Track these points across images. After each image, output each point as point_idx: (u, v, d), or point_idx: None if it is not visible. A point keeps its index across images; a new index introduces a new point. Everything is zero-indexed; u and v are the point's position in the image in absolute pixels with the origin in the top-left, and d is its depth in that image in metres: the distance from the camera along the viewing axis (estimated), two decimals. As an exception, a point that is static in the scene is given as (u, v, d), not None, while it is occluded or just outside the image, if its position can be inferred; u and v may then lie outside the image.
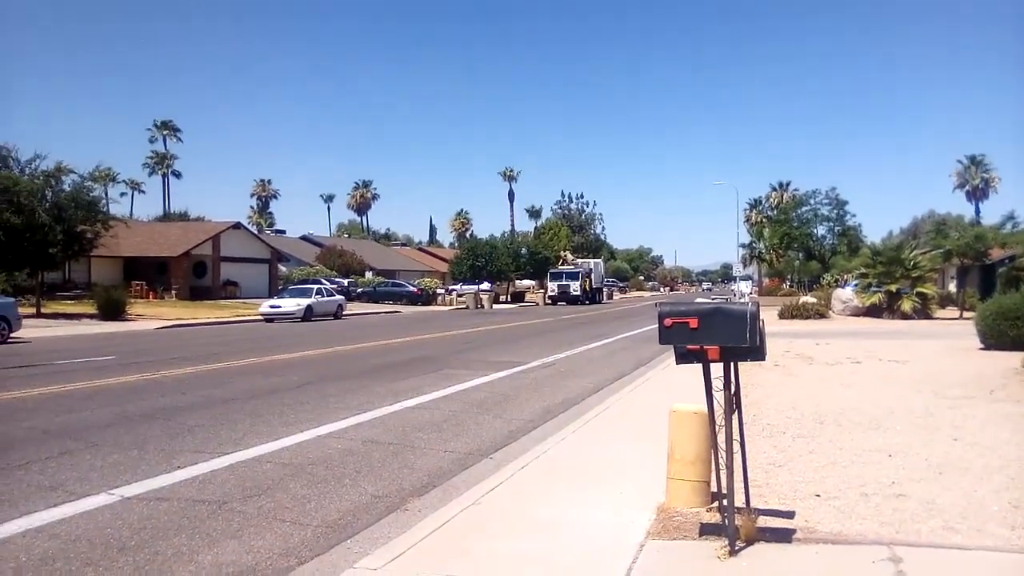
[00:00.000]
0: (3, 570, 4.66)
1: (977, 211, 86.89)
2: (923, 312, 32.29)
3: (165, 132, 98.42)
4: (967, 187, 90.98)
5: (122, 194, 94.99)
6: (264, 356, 17.80)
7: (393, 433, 8.91)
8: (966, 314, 30.29)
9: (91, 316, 33.36)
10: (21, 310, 25.01)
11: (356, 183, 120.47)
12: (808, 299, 37.36)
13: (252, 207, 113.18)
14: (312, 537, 5.40)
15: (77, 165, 35.72)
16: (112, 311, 33.28)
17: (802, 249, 72.19)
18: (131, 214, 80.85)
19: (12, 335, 23.03)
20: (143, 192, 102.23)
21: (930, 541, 4.76)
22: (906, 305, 31.92)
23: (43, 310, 33.58)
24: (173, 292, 49.48)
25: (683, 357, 4.67)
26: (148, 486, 6.50)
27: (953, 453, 7.05)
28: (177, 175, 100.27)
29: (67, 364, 16.06)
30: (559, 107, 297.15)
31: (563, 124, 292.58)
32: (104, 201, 39.81)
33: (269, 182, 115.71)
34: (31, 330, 25.67)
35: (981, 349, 17.02)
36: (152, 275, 50.22)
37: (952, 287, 41.68)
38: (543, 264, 72.17)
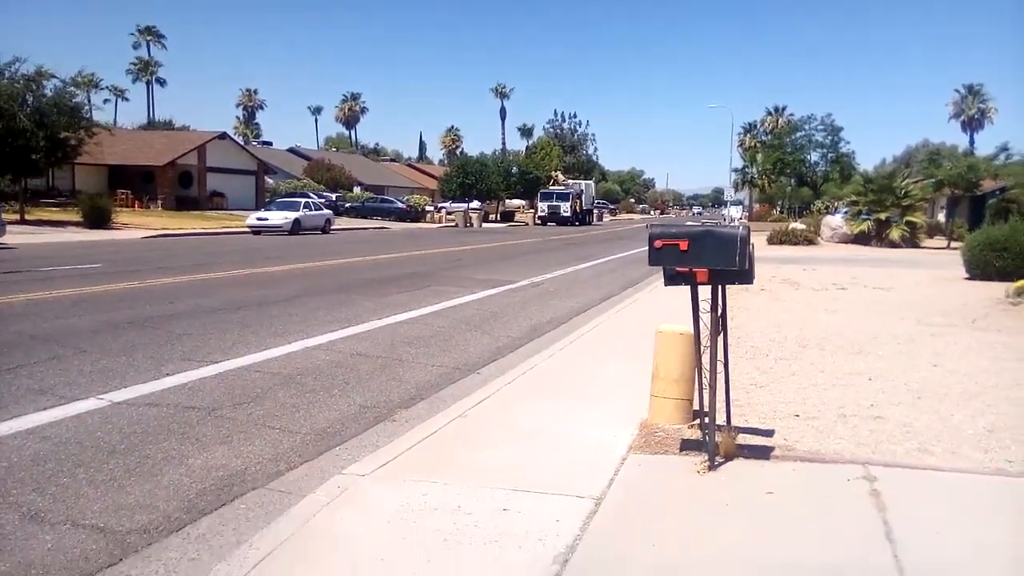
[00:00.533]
0: (-5, 469, 4.73)
1: (972, 142, 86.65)
2: (911, 241, 32.46)
3: (149, 38, 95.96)
4: (963, 117, 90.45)
5: (105, 101, 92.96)
6: (252, 268, 17.76)
7: (381, 347, 8.98)
8: (954, 244, 30.48)
9: (76, 224, 33.10)
10: (4, 216, 24.77)
11: (345, 95, 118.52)
12: (798, 225, 37.48)
13: (238, 117, 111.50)
14: (301, 444, 5.49)
15: (59, 70, 34.75)
16: (97, 219, 33.01)
17: (794, 175, 72.03)
18: (115, 122, 79.35)
19: (-3, 241, 22.85)
20: (127, 100, 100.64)
21: (905, 462, 4.88)
22: (895, 234, 32.06)
23: (27, 217, 33.26)
24: (159, 202, 49.00)
25: (672, 279, 4.68)
26: (137, 392, 6.55)
27: (932, 379, 7.18)
28: (161, 83, 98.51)
29: (53, 271, 15.99)
30: (554, 25, 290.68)
31: (557, 42, 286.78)
32: (87, 107, 38.90)
33: (255, 92, 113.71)
34: (15, 236, 25.46)
35: (966, 279, 17.17)
36: (137, 184, 49.60)
37: (941, 217, 41.82)
38: (534, 184, 71.67)
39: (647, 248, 4.56)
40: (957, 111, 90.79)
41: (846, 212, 36.60)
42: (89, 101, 50.18)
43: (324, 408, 6.40)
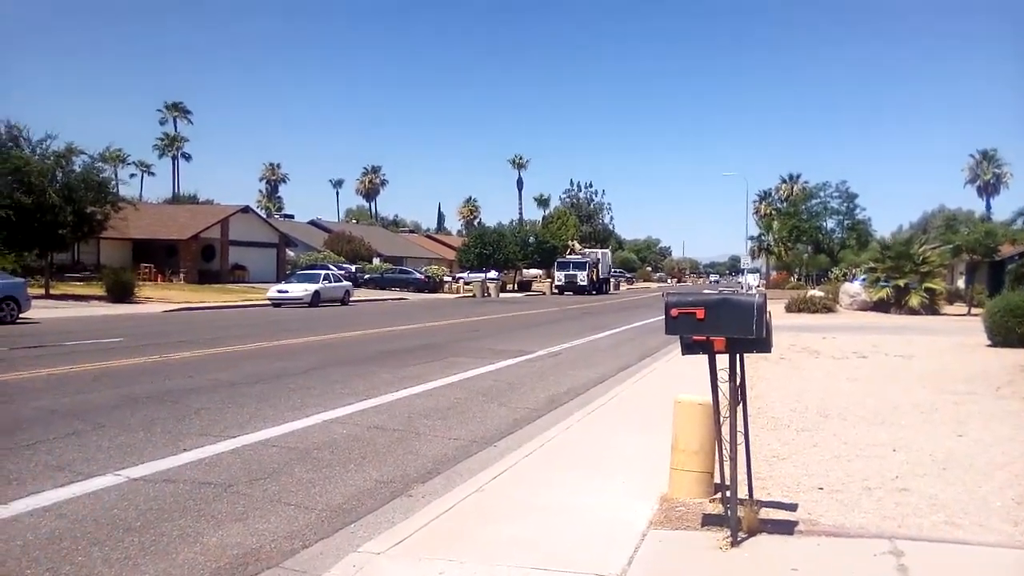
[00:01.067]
0: (11, 548, 4.71)
1: (988, 206, 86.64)
2: (931, 308, 32.19)
3: (175, 114, 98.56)
4: (978, 182, 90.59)
5: (132, 175, 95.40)
6: (271, 341, 17.86)
7: (398, 419, 8.94)
8: (974, 310, 30.18)
9: (100, 298, 33.51)
10: (30, 291, 25.14)
11: (365, 168, 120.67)
12: (816, 293, 37.31)
13: (261, 191, 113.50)
14: (317, 521, 5.44)
15: (87, 146, 35.82)
16: (121, 293, 33.43)
17: (811, 242, 72.09)
18: (141, 196, 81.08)
19: (21, 315, 23.14)
20: (153, 174, 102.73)
21: (932, 535, 4.77)
22: (914, 300, 31.83)
23: (52, 291, 33.74)
24: (182, 275, 49.62)
25: (689, 348, 4.67)
26: (154, 468, 6.55)
27: (957, 449, 7.04)
28: (187, 157, 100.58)
29: (75, 345, 16.15)
30: (569, 96, 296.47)
31: (573, 113, 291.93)
32: (114, 182, 39.90)
33: (278, 166, 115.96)
34: (40, 311, 25.79)
35: (988, 346, 16.96)
36: (161, 258, 50.36)
37: (961, 283, 41.52)
38: (551, 253, 72.11)
39: (663, 317, 4.56)
40: (972, 176, 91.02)
41: (864, 279, 36.46)
42: (116, 176, 51.43)
43: (340, 483, 6.35)
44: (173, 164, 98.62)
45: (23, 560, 4.53)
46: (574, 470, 6.43)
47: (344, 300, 38.47)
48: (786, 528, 4.89)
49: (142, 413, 8.79)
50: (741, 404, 4.77)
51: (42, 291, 32.37)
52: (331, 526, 5.34)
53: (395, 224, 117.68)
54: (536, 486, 5.95)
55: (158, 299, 35.23)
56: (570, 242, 79.01)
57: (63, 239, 33.81)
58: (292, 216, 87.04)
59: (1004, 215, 58.40)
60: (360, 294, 45.16)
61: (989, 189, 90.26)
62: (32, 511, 5.38)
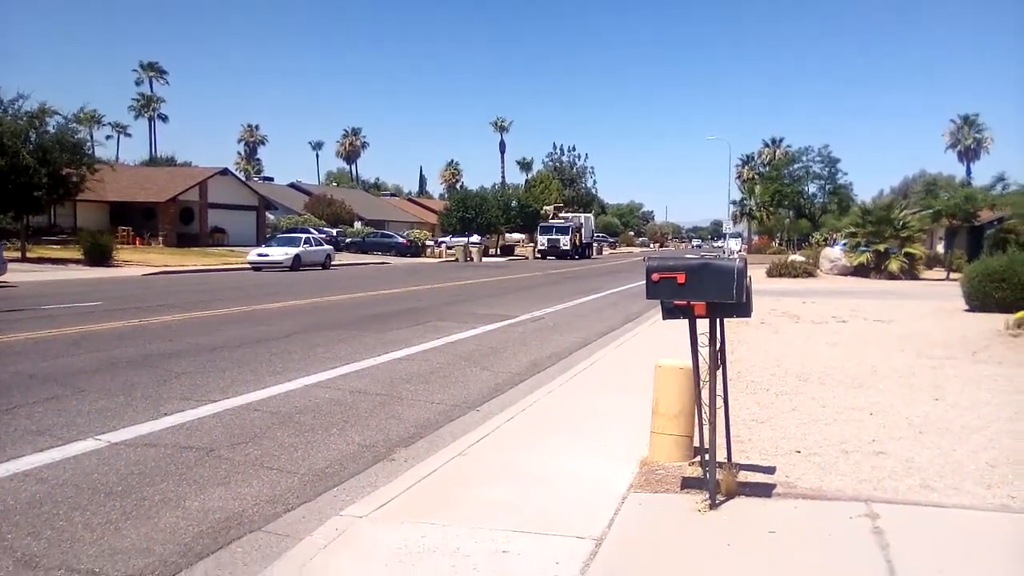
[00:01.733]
0: (-10, 512, 4.69)
1: (969, 172, 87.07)
2: (910, 272, 32.48)
3: (151, 74, 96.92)
4: (959, 147, 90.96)
5: (108, 137, 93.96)
6: (252, 305, 17.77)
7: (381, 384, 8.95)
8: (953, 275, 30.49)
9: (77, 261, 33.16)
10: (6, 254, 24.83)
11: (345, 130, 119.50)
12: (796, 257, 37.50)
13: (239, 153, 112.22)
14: (299, 485, 5.45)
15: (62, 107, 35.20)
16: (98, 256, 33.09)
17: (793, 207, 72.38)
18: (117, 158, 79.88)
19: (-3, 279, 22.89)
20: (129, 136, 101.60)
21: (907, 498, 4.85)
22: (893, 265, 32.09)
23: (28, 254, 33.34)
24: (160, 238, 49.13)
25: (670, 312, 4.69)
26: (135, 432, 6.52)
27: (934, 413, 7.15)
28: (164, 119, 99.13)
29: (53, 309, 16.00)
30: (552, 58, 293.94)
31: (556, 76, 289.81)
32: (89, 144, 39.24)
33: (257, 128, 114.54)
34: (16, 274, 25.51)
35: (966, 310, 17.15)
36: (139, 221, 49.78)
37: (940, 248, 41.85)
38: (533, 217, 71.97)
39: (645, 281, 4.57)
40: (953, 141, 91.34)
41: (845, 244, 36.64)
42: (91, 137, 50.54)
43: (323, 448, 6.36)
44: (150, 125, 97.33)
45: (4, 524, 4.52)
46: (556, 434, 6.47)
47: (325, 264, 38.31)
48: (764, 491, 4.96)
49: (122, 377, 8.74)
50: (721, 368, 4.80)
51: (18, 254, 31.98)
52: (313, 490, 5.36)
53: (376, 187, 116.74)
54: (518, 450, 5.99)
55: (136, 262, 34.90)
56: (546, 208, 78.45)
57: (38, 201, 33.30)
58: (272, 179, 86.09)
59: (984, 180, 58.92)
60: (341, 258, 44.98)
61: (970, 154, 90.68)
62: (12, 476, 5.36)
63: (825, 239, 58.07)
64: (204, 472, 5.60)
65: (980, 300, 16.98)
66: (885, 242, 33.04)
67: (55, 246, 39.35)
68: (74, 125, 35.24)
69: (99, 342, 11.28)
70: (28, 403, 7.42)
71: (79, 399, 7.65)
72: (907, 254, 32.68)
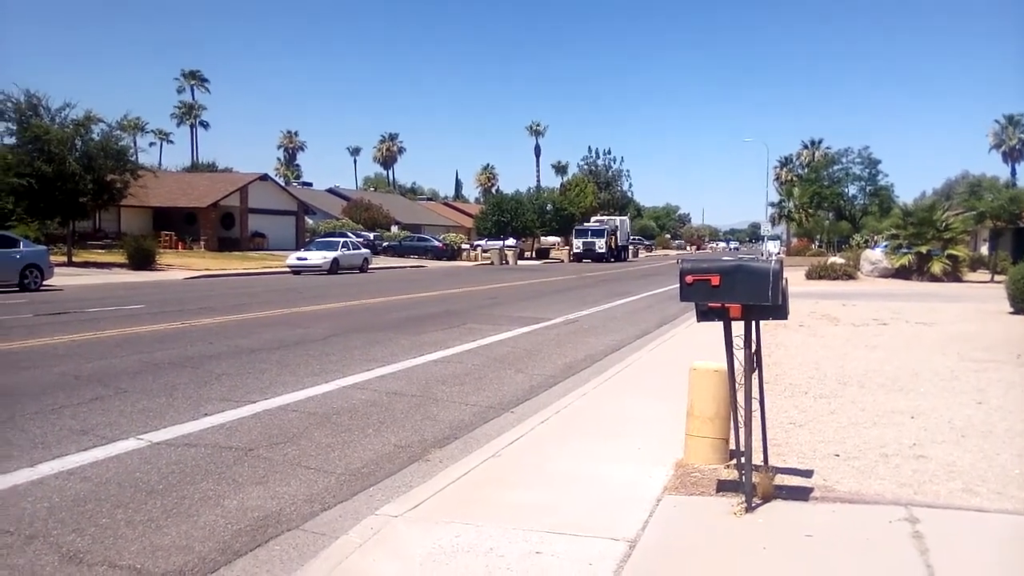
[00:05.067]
0: (38, 509, 4.82)
1: (1013, 172, 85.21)
2: (953, 275, 31.81)
3: (193, 82, 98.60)
4: (1003, 148, 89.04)
5: (151, 144, 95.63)
6: (290, 307, 17.99)
7: (416, 385, 9.01)
8: (997, 277, 29.81)
9: (121, 265, 33.86)
10: (52, 258, 25.42)
11: (382, 136, 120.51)
12: (836, 260, 36.94)
13: (279, 159, 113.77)
14: (336, 484, 5.51)
15: (106, 114, 36.00)
16: (142, 261, 33.77)
17: (832, 209, 71.33)
18: (160, 164, 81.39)
19: (44, 283, 23.46)
20: (171, 142, 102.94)
21: (948, 503, 4.76)
22: (936, 267, 31.46)
23: (74, 259, 34.12)
24: (201, 243, 49.99)
25: (704, 315, 4.65)
26: (176, 432, 6.65)
27: (976, 416, 7.01)
28: (205, 125, 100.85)
29: (97, 312, 16.35)
30: (588, 62, 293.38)
31: (591, 79, 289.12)
32: (133, 151, 40.07)
33: (296, 134, 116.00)
34: (62, 278, 26.11)
35: (1011, 313, 16.77)
36: (181, 226, 50.71)
37: (984, 250, 40.98)
38: (569, 220, 71.81)
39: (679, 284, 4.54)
40: (997, 142, 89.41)
41: (886, 246, 36.03)
42: (135, 144, 51.66)
43: (359, 448, 6.42)
44: (191, 132, 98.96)
45: (49, 521, 4.63)
46: (590, 436, 6.46)
47: (363, 267, 38.64)
48: (801, 494, 4.90)
49: (164, 378, 8.91)
50: (757, 371, 4.76)
51: (64, 259, 32.75)
52: (350, 489, 5.41)
53: (413, 192, 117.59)
54: (552, 452, 5.99)
55: (178, 266, 35.53)
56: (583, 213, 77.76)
57: (84, 207, 34.12)
58: (310, 184, 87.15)
59: (1030, 181, 57.41)
60: (378, 262, 45.32)
61: (1014, 155, 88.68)
62: (57, 474, 5.49)
63: (866, 241, 57.21)
64: (243, 471, 5.69)
65: (1026, 302, 16.58)
66: (927, 244, 32.40)
67: (100, 250, 40.22)
68: (118, 132, 35.98)
69: (141, 344, 11.51)
70: (73, 403, 7.59)
71: (122, 399, 7.81)
72: (950, 256, 32.01)
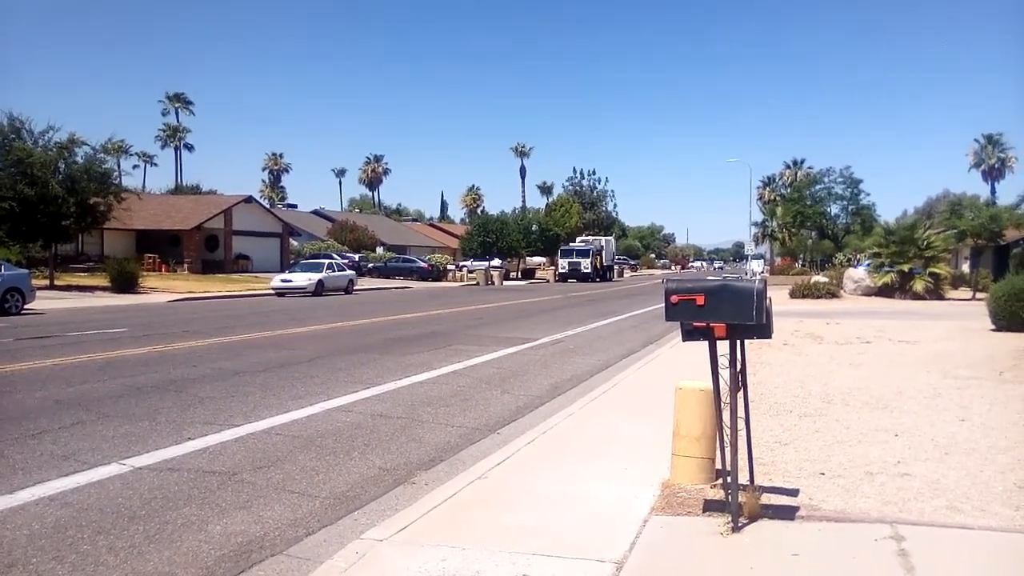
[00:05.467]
0: (17, 537, 4.75)
1: (993, 191, 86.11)
2: (935, 292, 32.10)
3: (177, 105, 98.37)
4: (983, 166, 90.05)
5: (135, 167, 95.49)
6: (275, 330, 17.90)
7: (402, 407, 8.97)
8: (979, 295, 30.09)
9: (104, 288, 33.58)
10: (35, 282, 25.21)
11: (368, 157, 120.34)
12: (820, 278, 37.16)
13: (264, 181, 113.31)
14: (320, 508, 5.47)
15: (90, 137, 35.78)
16: (125, 284, 33.50)
17: (815, 228, 71.76)
18: (144, 187, 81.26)
19: (26, 306, 23.22)
20: (156, 165, 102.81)
21: (933, 520, 4.78)
22: (918, 285, 31.73)
23: (56, 282, 33.81)
24: (185, 265, 49.71)
25: (689, 334, 4.67)
26: (159, 456, 6.58)
27: (960, 434, 7.05)
28: (189, 148, 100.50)
29: (80, 336, 16.21)
30: (572, 83, 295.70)
31: (576, 100, 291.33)
32: (117, 173, 39.93)
33: (281, 156, 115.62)
34: (45, 302, 25.87)
35: (992, 330, 16.92)
36: (164, 248, 50.43)
37: (966, 268, 41.39)
38: (554, 241, 71.97)
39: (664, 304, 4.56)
40: (977, 160, 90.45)
41: (868, 264, 36.33)
42: (119, 167, 51.60)
43: (344, 471, 6.38)
44: (175, 155, 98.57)
45: (29, 549, 4.57)
46: (577, 457, 6.45)
47: (348, 289, 38.50)
48: (787, 513, 4.90)
49: (147, 402, 8.83)
50: (742, 390, 4.78)
51: (46, 282, 32.46)
52: (335, 513, 5.37)
53: (398, 213, 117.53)
54: (539, 473, 5.97)
55: (162, 289, 35.30)
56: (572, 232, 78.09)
57: (67, 230, 33.86)
58: (295, 206, 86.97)
59: (1009, 199, 58.03)
60: (364, 283, 45.21)
61: (994, 173, 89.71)
62: (38, 500, 5.42)
63: (848, 260, 57.59)
64: (226, 496, 5.64)
65: (1006, 320, 16.75)
66: (909, 262, 32.70)
67: (82, 274, 39.89)
68: (102, 155, 35.78)
69: (124, 368, 11.41)
70: (54, 428, 7.51)
71: (104, 424, 7.73)
72: (932, 274, 32.31)
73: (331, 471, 6.36)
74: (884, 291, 33.08)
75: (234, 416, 8.21)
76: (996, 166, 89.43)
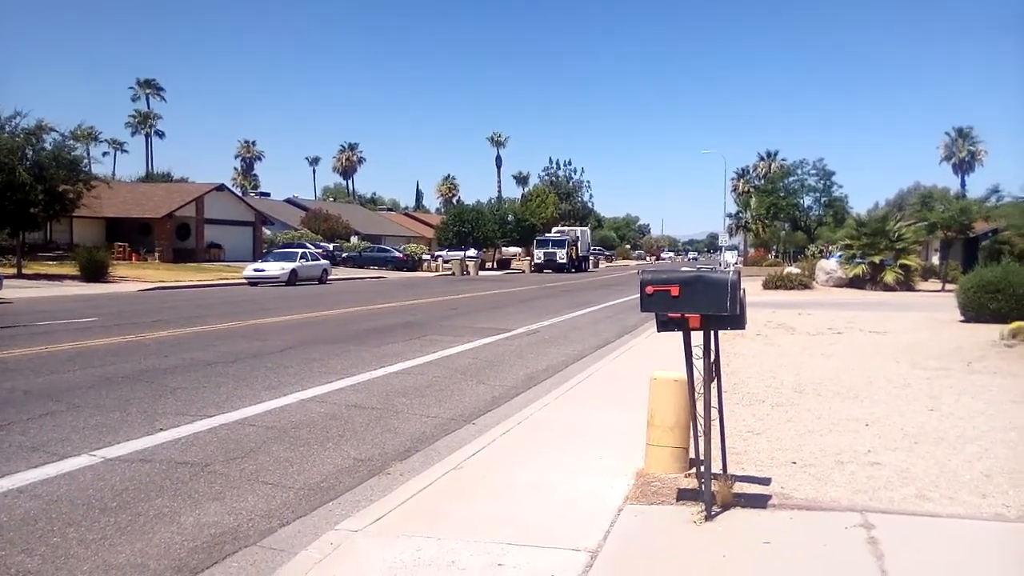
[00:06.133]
0: (-16, 529, 4.68)
1: (963, 184, 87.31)
2: (906, 284, 32.53)
3: (148, 91, 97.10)
4: (953, 159, 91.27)
5: (104, 154, 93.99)
6: (247, 320, 17.75)
7: (376, 398, 8.94)
8: (948, 286, 30.53)
9: (73, 277, 33.12)
10: (2, 270, 24.79)
11: (342, 146, 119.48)
12: (792, 270, 37.54)
13: (236, 168, 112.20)
14: (294, 499, 5.44)
15: (59, 124, 35.22)
16: (94, 273, 33.05)
17: (788, 219, 72.52)
18: (113, 174, 79.88)
19: (-7, 295, 22.84)
20: (126, 152, 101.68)
21: (902, 508, 4.85)
22: (889, 277, 32.14)
23: (24, 271, 33.30)
24: (156, 254, 49.12)
25: (664, 325, 4.69)
26: (130, 447, 6.51)
27: (929, 423, 7.16)
28: (160, 135, 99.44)
29: (49, 325, 15.97)
30: (548, 73, 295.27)
31: (552, 90, 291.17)
32: (86, 160, 39.33)
33: (254, 143, 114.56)
34: (12, 291, 25.46)
35: (961, 322, 17.19)
36: (135, 237, 49.77)
37: (935, 259, 41.93)
38: (530, 231, 72.01)
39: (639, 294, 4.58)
40: (948, 154, 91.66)
41: (840, 256, 36.72)
42: (88, 154, 50.83)
43: (318, 462, 6.35)
44: (146, 142, 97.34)
45: (-3, 541, 4.50)
46: (552, 447, 6.47)
47: (322, 279, 38.26)
48: (759, 502, 4.96)
49: (118, 393, 8.73)
50: (716, 380, 4.81)
51: (14, 271, 31.97)
52: (309, 504, 5.35)
53: (373, 202, 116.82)
54: (514, 463, 5.99)
55: (133, 278, 34.87)
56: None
57: (35, 218, 33.33)
58: (268, 194, 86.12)
59: (979, 192, 58.97)
60: (338, 273, 44.96)
61: (964, 167, 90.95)
62: (6, 492, 5.34)
63: (821, 251, 58.20)
64: (199, 487, 5.59)
65: (975, 311, 17.02)
66: (880, 254, 33.11)
67: (51, 262, 39.29)
68: (71, 142, 35.29)
69: (94, 358, 11.27)
70: (23, 419, 7.40)
71: (74, 415, 7.63)
72: (902, 266, 32.74)
73: (305, 462, 6.33)
74: (855, 282, 33.47)
75: (207, 407, 8.13)
76: (966, 159, 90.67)
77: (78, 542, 4.54)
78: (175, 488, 5.55)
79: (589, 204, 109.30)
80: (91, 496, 5.32)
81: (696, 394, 4.86)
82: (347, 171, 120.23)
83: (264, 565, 4.30)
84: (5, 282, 24.72)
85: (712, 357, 4.72)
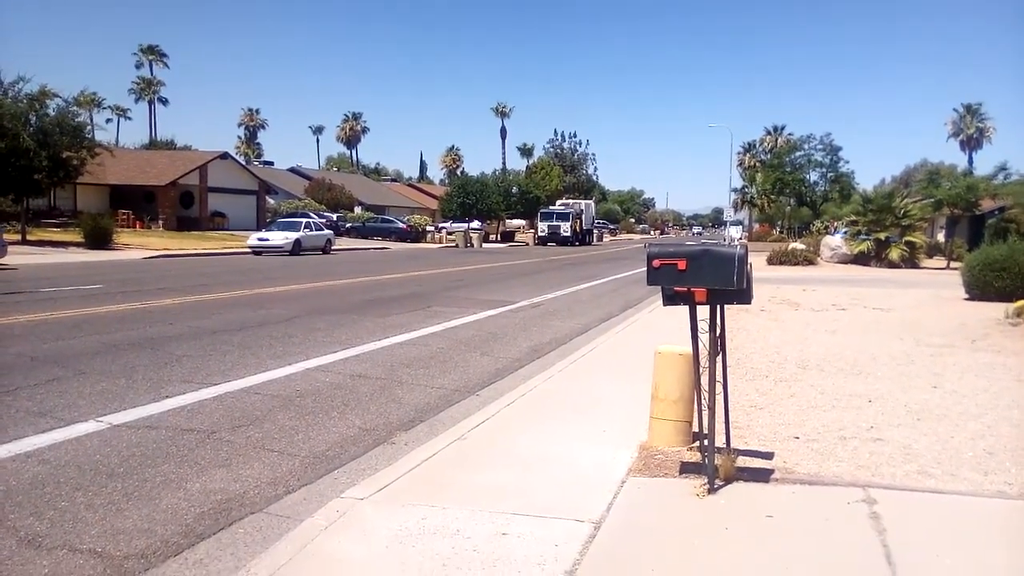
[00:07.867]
0: (-7, 493, 4.72)
1: (970, 161, 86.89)
2: (911, 261, 32.46)
3: (151, 57, 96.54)
4: (961, 136, 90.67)
5: (108, 120, 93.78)
6: (252, 289, 17.78)
7: (381, 368, 8.97)
8: (953, 264, 30.48)
9: (77, 244, 33.17)
10: (6, 236, 24.82)
11: (346, 115, 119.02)
12: (797, 245, 37.46)
13: (240, 137, 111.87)
14: (300, 467, 5.48)
15: (62, 90, 35.14)
16: (99, 240, 33.09)
17: (794, 195, 72.16)
18: (117, 141, 79.83)
19: (-2, 261, 22.89)
20: (129, 119, 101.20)
21: (904, 484, 4.87)
22: (894, 253, 32.07)
23: (29, 237, 33.34)
24: (160, 222, 49.13)
25: (670, 299, 4.69)
26: (136, 414, 6.55)
27: (932, 400, 7.17)
28: (164, 102, 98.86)
29: (54, 292, 16.01)
30: (554, 44, 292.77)
31: (558, 62, 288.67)
32: (90, 127, 39.15)
33: (257, 111, 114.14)
34: (17, 257, 25.51)
35: (966, 299, 17.17)
36: (139, 204, 49.73)
37: (941, 237, 41.84)
38: (534, 203, 71.80)
39: (646, 268, 4.57)
40: (956, 130, 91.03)
41: (845, 232, 36.62)
42: (91, 120, 50.60)
43: (323, 430, 6.39)
44: (150, 109, 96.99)
45: (6, 505, 4.55)
46: (555, 419, 6.49)
47: (325, 249, 38.27)
48: (762, 476, 4.98)
49: (123, 360, 8.76)
50: (720, 354, 4.82)
51: (18, 237, 32.00)
52: (314, 472, 5.39)
53: (377, 172, 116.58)
54: (518, 434, 6.02)
55: (136, 246, 34.91)
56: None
57: (38, 184, 33.29)
58: (272, 163, 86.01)
59: (986, 169, 58.73)
60: (341, 243, 44.96)
61: (972, 143, 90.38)
62: (14, 457, 5.38)
63: (826, 227, 58.02)
64: (205, 454, 5.63)
65: (980, 289, 17.00)
66: (886, 230, 33.01)
67: (55, 229, 39.32)
68: (74, 108, 35.15)
69: (100, 325, 11.30)
70: (30, 385, 7.44)
71: (80, 381, 7.67)
72: (908, 243, 32.65)
73: (310, 430, 6.37)
74: (860, 259, 33.41)
75: (212, 374, 8.17)
76: (975, 136, 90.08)
77: (86, 506, 4.58)
78: (181, 455, 5.59)
79: (594, 177, 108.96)
80: (98, 461, 5.36)
81: (700, 368, 4.87)
82: (351, 141, 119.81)
83: (270, 531, 4.34)
84: (9, 248, 24.75)
85: (717, 331, 4.72)
